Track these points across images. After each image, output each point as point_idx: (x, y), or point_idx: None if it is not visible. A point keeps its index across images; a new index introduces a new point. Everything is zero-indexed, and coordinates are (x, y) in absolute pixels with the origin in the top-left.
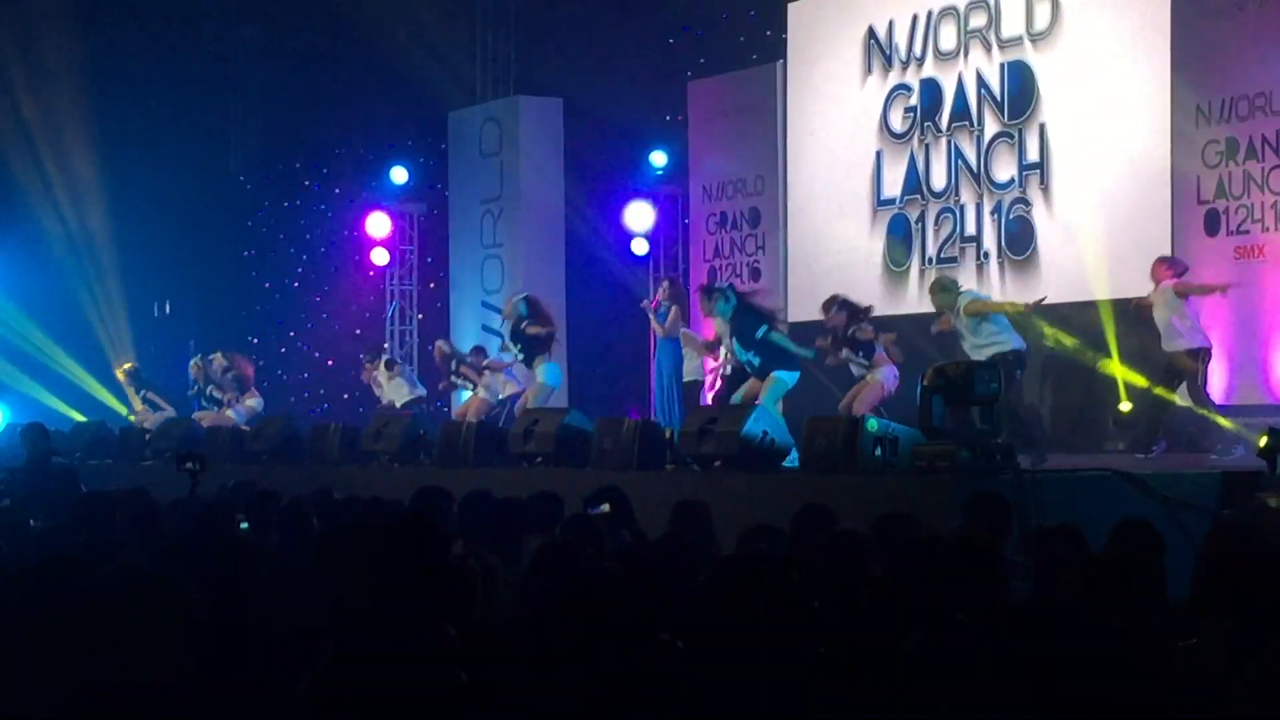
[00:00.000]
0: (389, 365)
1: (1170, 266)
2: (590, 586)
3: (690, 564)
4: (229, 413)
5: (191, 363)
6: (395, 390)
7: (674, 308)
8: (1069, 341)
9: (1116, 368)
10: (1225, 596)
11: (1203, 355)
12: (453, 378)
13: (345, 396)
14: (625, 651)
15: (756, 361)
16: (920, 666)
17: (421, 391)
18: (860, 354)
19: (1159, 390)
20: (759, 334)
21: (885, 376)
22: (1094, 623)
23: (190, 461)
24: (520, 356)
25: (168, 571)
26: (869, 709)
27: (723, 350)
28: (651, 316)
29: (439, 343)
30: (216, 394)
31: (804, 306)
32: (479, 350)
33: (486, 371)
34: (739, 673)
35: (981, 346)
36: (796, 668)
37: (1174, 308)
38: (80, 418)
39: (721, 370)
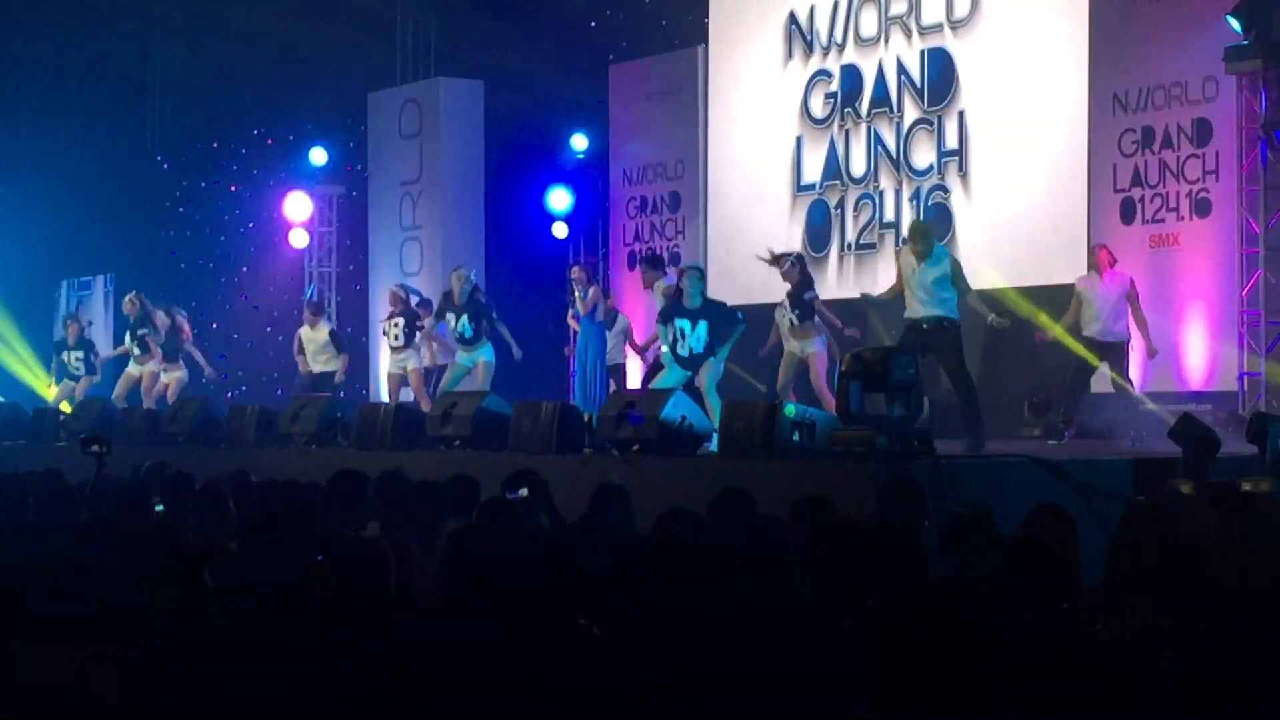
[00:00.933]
0: (315, 309)
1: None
2: (504, 570)
3: (606, 548)
4: (160, 374)
5: (127, 299)
6: (317, 349)
7: (593, 288)
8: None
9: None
10: (1138, 580)
11: (1125, 346)
12: (392, 323)
13: (263, 379)
14: (540, 636)
15: (700, 349)
16: (834, 650)
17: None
18: (798, 313)
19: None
20: (728, 324)
21: (819, 346)
22: (1004, 604)
23: (96, 444)
24: (466, 329)
25: (84, 555)
26: (784, 693)
27: (664, 335)
28: (575, 300)
29: (395, 288)
30: (148, 341)
31: (723, 291)
32: (425, 304)
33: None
34: (654, 656)
35: (937, 301)
36: (711, 651)
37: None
38: None
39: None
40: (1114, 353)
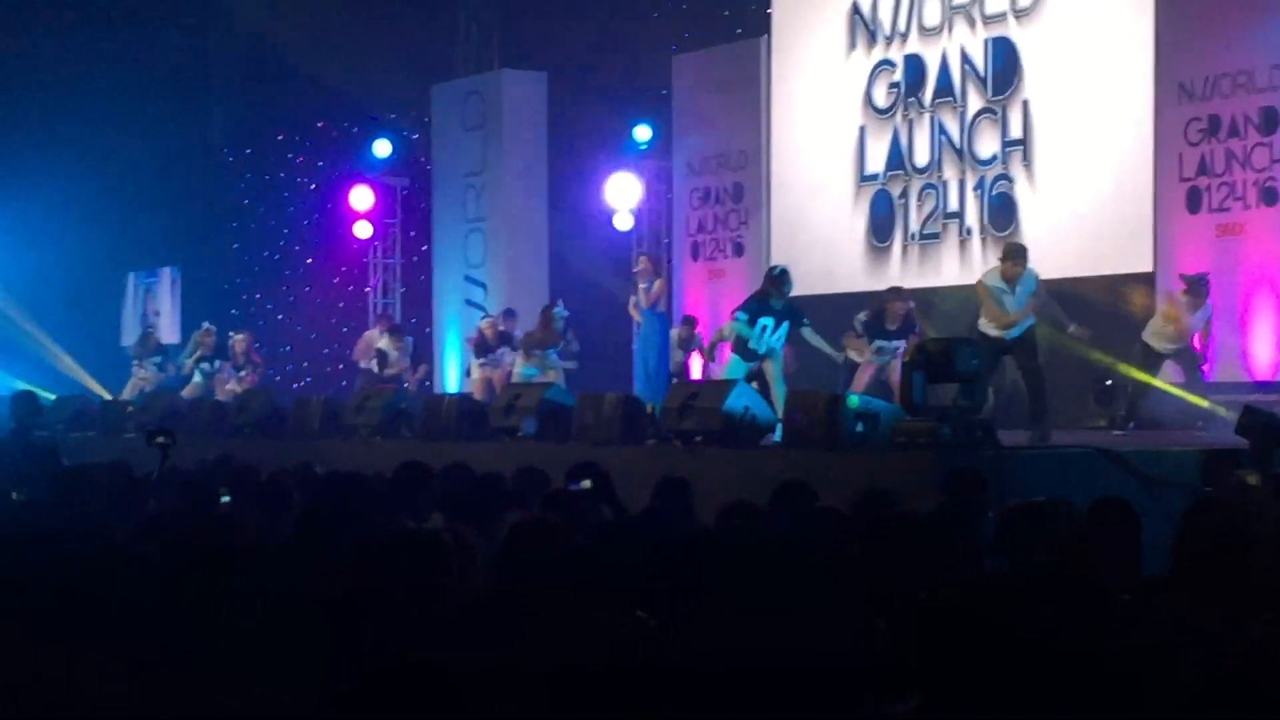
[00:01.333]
0: (395, 332)
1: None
2: (562, 563)
3: (667, 541)
4: (233, 388)
5: (204, 331)
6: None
7: (657, 281)
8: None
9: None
10: (1199, 575)
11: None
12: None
13: (328, 370)
14: (597, 628)
15: (778, 347)
16: (872, 648)
17: (406, 363)
18: (905, 340)
19: (1137, 373)
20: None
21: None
22: (1055, 600)
23: (161, 435)
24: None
25: (147, 547)
26: (839, 687)
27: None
28: (639, 293)
29: (486, 322)
30: (208, 366)
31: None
32: (510, 315)
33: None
34: (713, 649)
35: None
36: (770, 645)
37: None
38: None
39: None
40: (1185, 359)
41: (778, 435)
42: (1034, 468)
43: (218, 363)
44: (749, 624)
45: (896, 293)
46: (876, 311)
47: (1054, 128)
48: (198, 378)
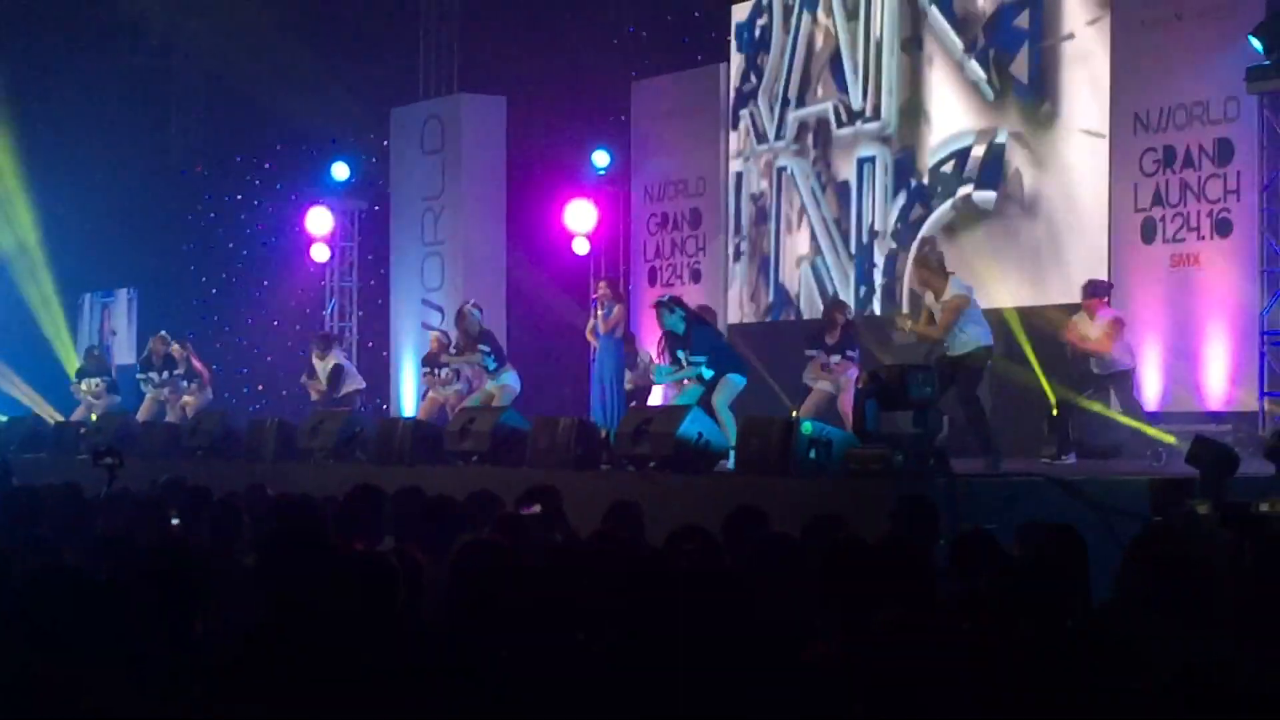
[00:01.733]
0: (324, 342)
1: (1101, 296)
2: (510, 584)
3: (615, 564)
4: (188, 400)
5: (157, 339)
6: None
7: (617, 307)
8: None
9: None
10: (1144, 601)
11: (1133, 373)
12: (436, 371)
13: (284, 393)
14: (536, 649)
15: (708, 374)
16: (835, 669)
17: (360, 384)
18: (841, 355)
19: (1081, 400)
20: (709, 341)
21: (852, 374)
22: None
23: (108, 456)
24: (489, 361)
25: (97, 569)
26: (781, 708)
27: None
28: (597, 318)
29: (437, 334)
30: (157, 377)
31: (744, 309)
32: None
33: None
34: (653, 671)
35: (962, 340)
36: (712, 667)
37: (1115, 338)
38: None
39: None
40: (1118, 382)
41: (730, 462)
42: (986, 496)
43: (166, 374)
44: (685, 647)
45: (839, 305)
46: (821, 323)
47: (1013, 155)
48: (149, 392)
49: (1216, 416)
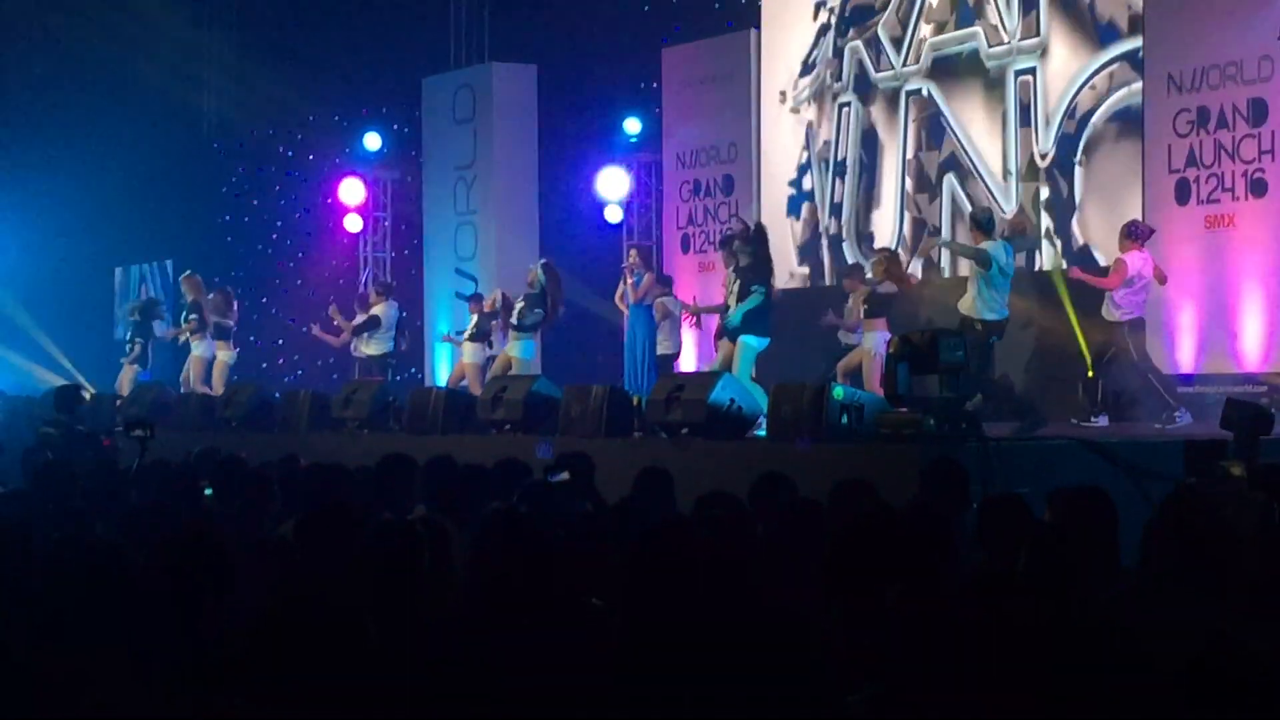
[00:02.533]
0: (384, 289)
1: (1135, 239)
2: (535, 552)
3: (641, 531)
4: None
5: (185, 278)
6: (385, 326)
7: (647, 274)
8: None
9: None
10: (1169, 566)
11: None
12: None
13: (319, 363)
14: (553, 614)
15: (737, 319)
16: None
17: (387, 347)
18: (867, 305)
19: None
20: (753, 287)
21: (880, 344)
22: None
23: (139, 428)
24: (524, 320)
25: (123, 540)
26: (776, 679)
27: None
28: (628, 286)
29: (498, 293)
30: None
31: (776, 275)
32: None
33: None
34: (666, 636)
35: (980, 304)
36: (727, 632)
37: (1121, 275)
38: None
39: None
40: (1114, 331)
41: (763, 428)
42: (1018, 460)
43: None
44: (708, 610)
45: (852, 270)
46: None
47: (1043, 117)
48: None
49: (1251, 378)
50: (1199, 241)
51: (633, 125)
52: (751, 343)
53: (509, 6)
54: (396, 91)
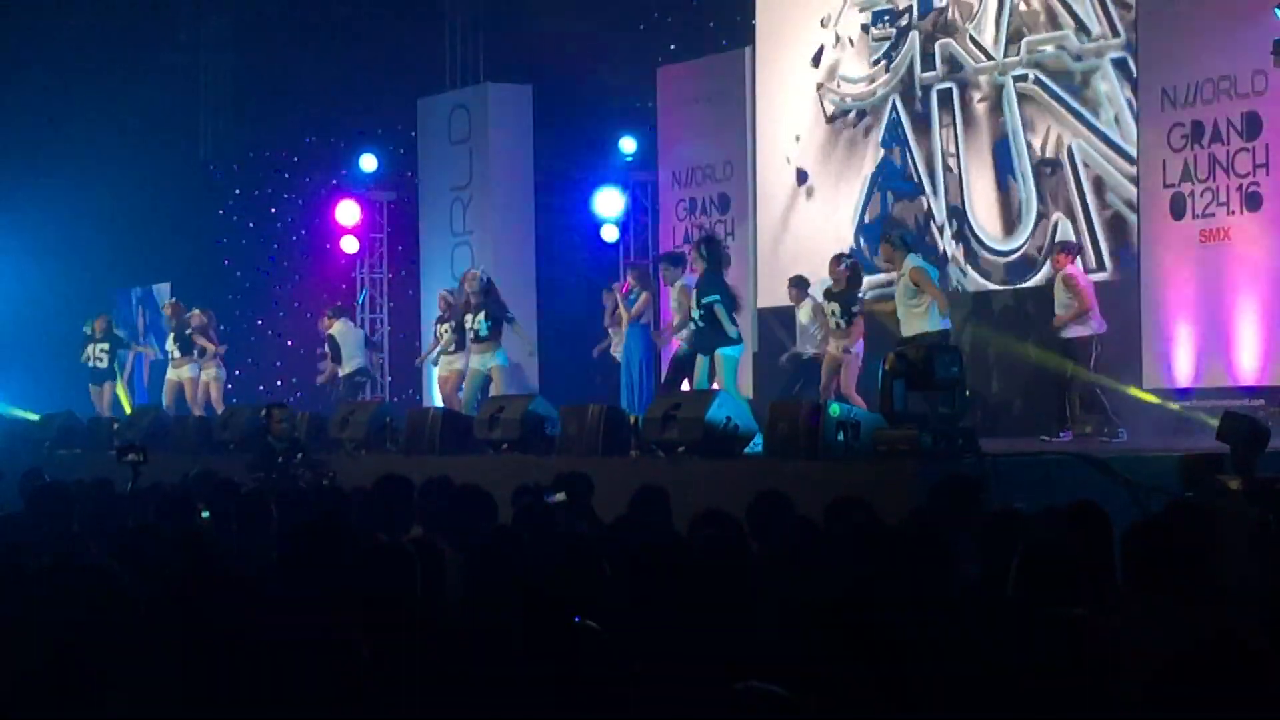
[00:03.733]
0: (336, 311)
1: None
2: (528, 571)
3: (636, 550)
4: (186, 371)
5: (167, 304)
6: (346, 345)
7: (644, 294)
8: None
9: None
10: (1156, 579)
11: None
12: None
13: (316, 385)
14: (541, 635)
15: (703, 324)
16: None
17: (360, 363)
18: (841, 316)
19: (1077, 372)
20: (710, 299)
21: (857, 349)
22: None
23: (132, 452)
24: (483, 326)
25: (115, 564)
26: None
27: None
28: (620, 303)
29: (443, 292)
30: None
31: (773, 293)
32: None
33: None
34: (655, 655)
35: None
36: (715, 656)
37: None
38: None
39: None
40: (1071, 348)
41: (759, 445)
42: (1017, 474)
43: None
44: (694, 630)
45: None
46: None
47: (1036, 134)
48: (175, 350)
49: (1249, 391)
50: (1194, 256)
51: (628, 144)
52: (730, 353)
53: (504, 27)
54: (392, 113)
